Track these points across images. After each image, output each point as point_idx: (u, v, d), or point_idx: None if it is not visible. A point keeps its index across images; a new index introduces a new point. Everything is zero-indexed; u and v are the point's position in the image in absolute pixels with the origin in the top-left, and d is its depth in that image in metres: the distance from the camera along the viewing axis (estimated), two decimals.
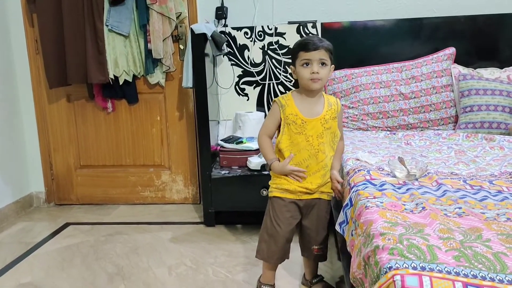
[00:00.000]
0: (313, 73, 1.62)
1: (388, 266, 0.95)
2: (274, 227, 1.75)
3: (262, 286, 1.86)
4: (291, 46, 2.86)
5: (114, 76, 2.87)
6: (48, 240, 2.60)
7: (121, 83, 2.91)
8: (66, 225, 2.84)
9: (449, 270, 0.92)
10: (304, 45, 1.64)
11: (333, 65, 1.69)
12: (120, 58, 2.87)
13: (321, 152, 1.69)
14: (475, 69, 2.63)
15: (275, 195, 1.75)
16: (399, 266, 0.94)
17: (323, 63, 1.63)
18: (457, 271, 0.92)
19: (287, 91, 2.89)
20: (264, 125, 1.77)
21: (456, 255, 0.98)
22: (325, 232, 1.80)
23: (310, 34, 2.83)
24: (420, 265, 0.94)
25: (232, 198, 2.55)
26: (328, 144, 1.71)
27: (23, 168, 3.14)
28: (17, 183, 3.06)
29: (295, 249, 1.87)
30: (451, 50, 2.66)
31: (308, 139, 1.68)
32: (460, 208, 1.28)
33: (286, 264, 2.05)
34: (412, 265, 0.93)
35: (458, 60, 2.66)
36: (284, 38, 2.86)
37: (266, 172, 2.45)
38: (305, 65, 1.64)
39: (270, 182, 1.78)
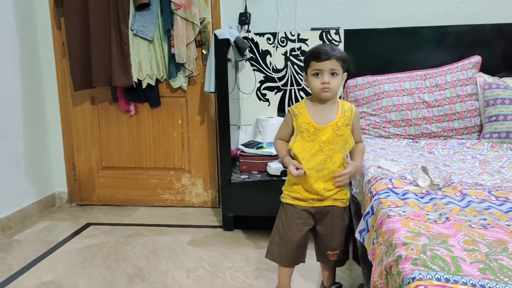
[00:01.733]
0: (323, 83, 1.63)
1: (411, 277, 0.94)
2: (285, 232, 1.77)
3: None
4: None
5: (138, 79, 2.91)
6: (70, 240, 2.64)
7: (144, 86, 2.95)
8: (87, 225, 2.88)
9: (474, 283, 0.90)
10: (315, 55, 1.64)
11: (345, 74, 1.69)
12: (144, 62, 2.91)
13: (329, 159, 1.68)
14: (501, 78, 2.58)
15: (287, 201, 1.77)
16: (422, 277, 0.93)
17: (334, 73, 1.63)
18: (483, 284, 0.90)
19: None
20: (278, 131, 1.82)
21: (482, 268, 0.97)
22: (341, 238, 1.78)
23: (332, 41, 2.82)
24: (444, 276, 0.92)
25: (251, 203, 2.55)
26: (338, 151, 1.69)
27: (47, 168, 3.20)
28: (41, 183, 3.12)
29: (313, 255, 1.86)
30: (477, 59, 2.61)
31: (320, 145, 1.68)
32: (485, 219, 1.26)
33: (304, 270, 2.04)
34: (436, 277, 0.92)
35: (484, 69, 2.62)
36: (307, 44, 2.86)
37: (285, 178, 2.45)
38: (315, 75, 1.65)
39: (283, 188, 1.80)
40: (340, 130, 1.68)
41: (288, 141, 1.79)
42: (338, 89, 1.68)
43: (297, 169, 1.67)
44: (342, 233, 1.78)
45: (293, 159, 1.73)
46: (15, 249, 2.53)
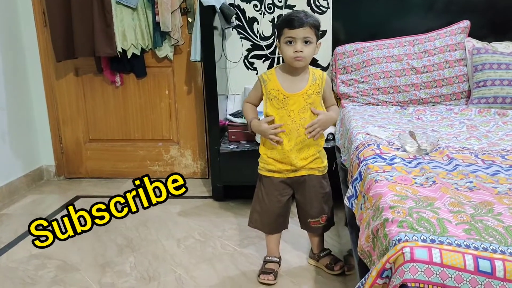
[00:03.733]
0: (296, 51, 1.60)
1: (397, 239, 0.94)
2: (264, 202, 1.80)
3: (267, 258, 1.88)
4: None
5: (122, 49, 2.84)
6: (59, 213, 2.63)
7: (129, 56, 2.88)
8: (76, 198, 2.87)
9: (459, 243, 0.91)
10: (288, 22, 1.60)
11: (319, 42, 1.66)
12: (128, 31, 2.83)
13: (302, 127, 1.68)
14: (489, 43, 2.56)
15: (263, 174, 1.79)
16: (408, 238, 0.93)
17: (307, 41, 1.61)
18: (468, 244, 0.91)
19: None
20: (248, 96, 1.82)
21: (467, 228, 0.98)
22: (320, 205, 1.79)
23: (320, 7, 2.77)
24: (430, 237, 0.93)
25: (241, 173, 2.55)
26: (310, 119, 1.69)
27: (33, 141, 3.16)
28: (27, 157, 3.08)
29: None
30: (466, 23, 2.59)
31: (289, 114, 1.67)
32: (471, 182, 1.27)
33: (294, 237, 2.06)
34: (422, 238, 0.93)
35: (473, 34, 2.59)
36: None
37: None
38: (288, 43, 1.61)
39: (259, 159, 1.80)
40: (311, 98, 1.67)
41: (257, 106, 1.80)
42: (311, 58, 1.66)
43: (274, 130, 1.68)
44: (320, 201, 1.79)
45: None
46: (4, 222, 2.51)
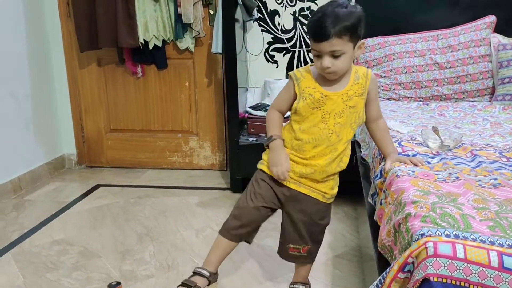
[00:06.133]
0: (323, 68, 1.35)
1: (420, 233, 0.94)
2: (246, 200, 1.60)
3: (197, 269, 1.70)
4: None
5: (144, 40, 2.87)
6: (80, 200, 2.68)
7: (150, 48, 2.90)
8: (97, 186, 2.92)
9: (483, 239, 0.90)
10: (312, 32, 1.35)
11: (362, 42, 1.38)
12: (150, 22, 2.85)
13: (335, 134, 1.43)
14: None
15: (262, 168, 1.57)
16: (431, 233, 0.93)
17: (337, 55, 1.32)
18: (492, 241, 0.90)
19: None
20: (276, 98, 1.55)
21: (491, 225, 0.97)
22: (308, 234, 1.55)
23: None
24: (454, 233, 0.92)
25: None
26: (347, 126, 1.44)
27: (56, 130, 3.21)
28: (49, 145, 3.14)
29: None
30: (491, 19, 2.54)
31: (324, 116, 1.42)
32: (495, 179, 1.25)
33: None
34: (445, 233, 0.92)
35: (498, 29, 2.54)
36: (316, 4, 2.79)
37: None
38: (316, 56, 1.36)
39: (263, 153, 1.59)
40: (352, 100, 1.41)
41: (285, 113, 1.53)
42: (346, 68, 1.38)
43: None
44: (308, 230, 1.55)
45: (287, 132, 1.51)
46: (27, 209, 2.57)
